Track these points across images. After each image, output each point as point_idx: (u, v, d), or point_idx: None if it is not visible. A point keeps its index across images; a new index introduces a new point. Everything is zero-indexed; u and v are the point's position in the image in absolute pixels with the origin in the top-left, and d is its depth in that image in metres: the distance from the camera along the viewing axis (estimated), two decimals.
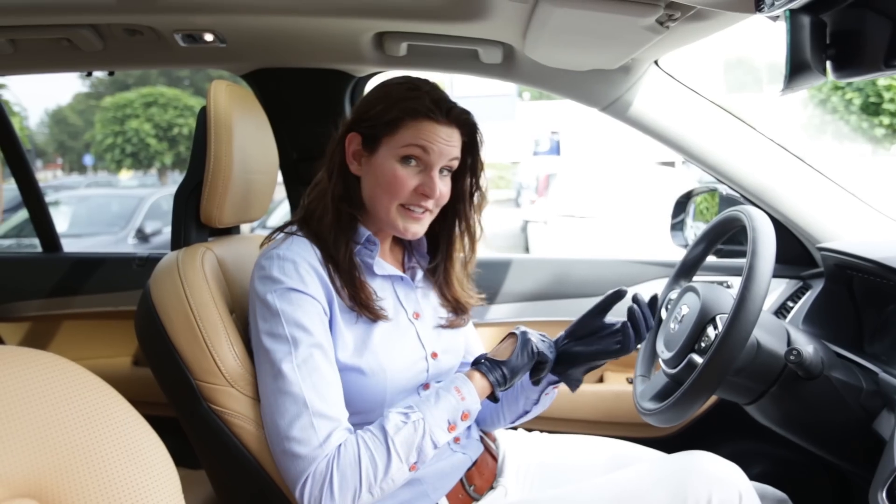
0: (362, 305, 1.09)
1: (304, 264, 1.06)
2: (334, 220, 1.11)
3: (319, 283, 1.07)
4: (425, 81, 1.14)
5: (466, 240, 1.23)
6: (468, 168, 1.18)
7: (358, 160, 1.13)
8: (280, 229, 1.16)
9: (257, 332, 1.05)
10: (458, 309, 1.24)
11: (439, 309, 1.23)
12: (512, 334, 1.14)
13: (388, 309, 1.12)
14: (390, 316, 1.12)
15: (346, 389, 1.06)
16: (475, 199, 1.21)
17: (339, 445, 0.99)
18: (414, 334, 1.16)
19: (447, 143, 1.10)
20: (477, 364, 1.11)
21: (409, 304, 1.18)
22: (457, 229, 1.22)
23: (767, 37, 1.08)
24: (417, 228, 1.13)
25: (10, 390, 0.54)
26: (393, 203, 1.10)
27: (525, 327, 1.15)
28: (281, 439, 1.00)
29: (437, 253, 1.24)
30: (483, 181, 1.21)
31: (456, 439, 1.17)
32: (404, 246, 1.26)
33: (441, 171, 1.12)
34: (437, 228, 1.21)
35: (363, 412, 1.08)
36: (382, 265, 1.16)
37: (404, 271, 1.21)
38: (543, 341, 1.14)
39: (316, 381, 1.01)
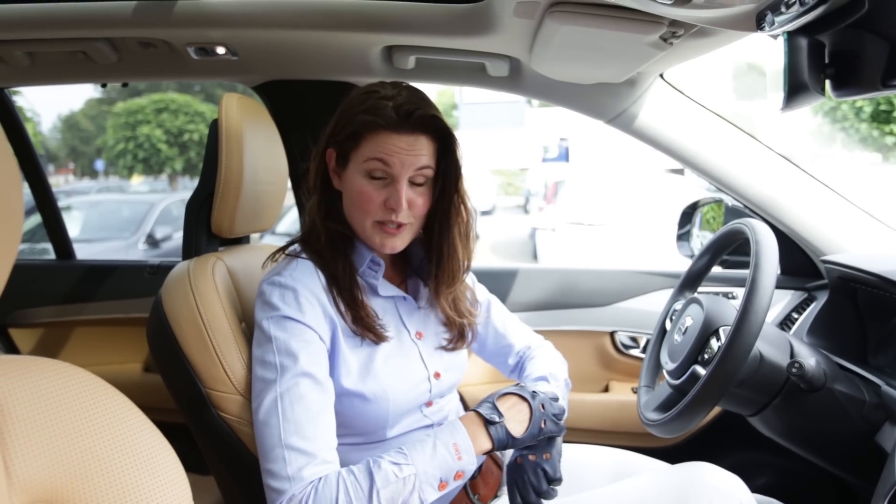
0: (365, 328, 1.07)
1: (305, 292, 1.05)
2: (327, 239, 1.11)
3: (321, 311, 1.05)
4: (392, 86, 1.09)
5: (449, 252, 1.15)
6: (442, 174, 1.11)
7: (338, 175, 1.12)
8: (282, 249, 1.16)
9: (253, 358, 1.05)
10: (453, 326, 1.21)
11: (440, 329, 1.21)
12: (523, 398, 1.07)
13: (390, 329, 1.11)
14: (392, 337, 1.11)
15: (349, 413, 1.06)
16: (455, 206, 1.13)
17: (319, 482, 0.94)
18: (417, 355, 1.15)
19: (409, 152, 1.05)
20: (490, 423, 1.02)
21: (411, 324, 1.17)
22: (441, 242, 1.15)
23: (776, 45, 1.08)
24: (395, 243, 1.10)
25: (30, 399, 0.56)
26: (366, 220, 1.08)
27: (539, 394, 1.08)
28: (261, 469, 0.99)
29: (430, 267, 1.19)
30: (462, 186, 1.13)
31: None
32: (407, 263, 1.24)
33: (415, 181, 1.08)
34: (429, 240, 1.17)
35: (366, 433, 1.08)
36: (386, 286, 1.16)
37: (406, 290, 1.20)
38: (556, 418, 1.08)
39: (297, 412, 0.98)
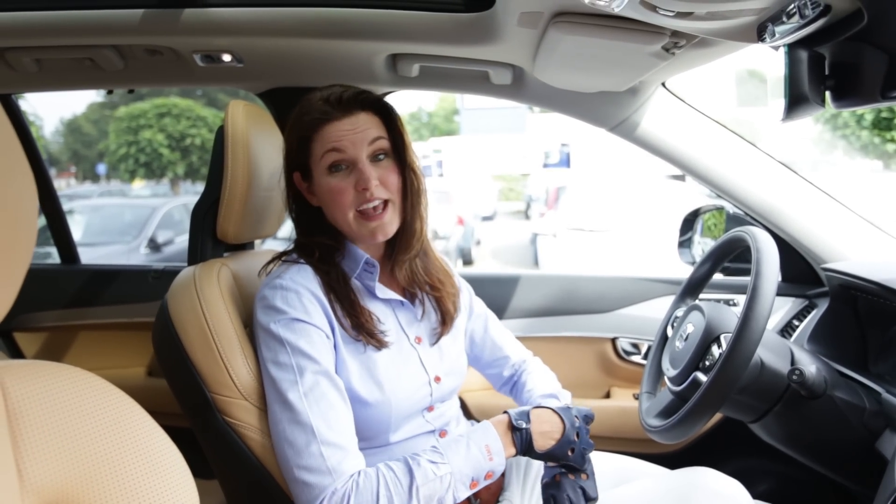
0: (366, 332, 1.08)
1: (306, 294, 1.06)
2: (318, 253, 1.13)
3: (322, 312, 1.07)
4: (319, 89, 1.13)
5: (407, 220, 1.15)
6: (395, 148, 1.13)
7: (312, 192, 1.14)
8: (278, 258, 1.17)
9: (263, 362, 1.06)
10: (439, 302, 1.22)
11: (436, 325, 1.23)
12: (562, 419, 1.09)
13: (390, 335, 1.12)
14: (392, 342, 1.12)
15: (354, 417, 1.06)
16: (408, 177, 1.13)
17: (359, 476, 0.97)
18: (417, 360, 1.16)
19: (355, 131, 1.07)
20: (516, 429, 1.06)
21: (410, 329, 1.18)
22: (408, 215, 1.15)
23: (777, 52, 1.09)
24: (384, 227, 1.10)
25: (42, 403, 0.57)
26: (347, 214, 1.09)
27: (579, 422, 1.10)
28: (291, 468, 1.00)
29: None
30: (411, 155, 1.14)
31: None
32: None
33: (377, 157, 1.09)
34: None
35: (368, 438, 1.09)
36: (383, 289, 1.16)
37: (404, 296, 1.21)
38: (584, 452, 1.09)
39: (323, 408, 1.00)
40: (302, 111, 1.11)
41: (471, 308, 1.36)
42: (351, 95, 1.09)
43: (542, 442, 1.06)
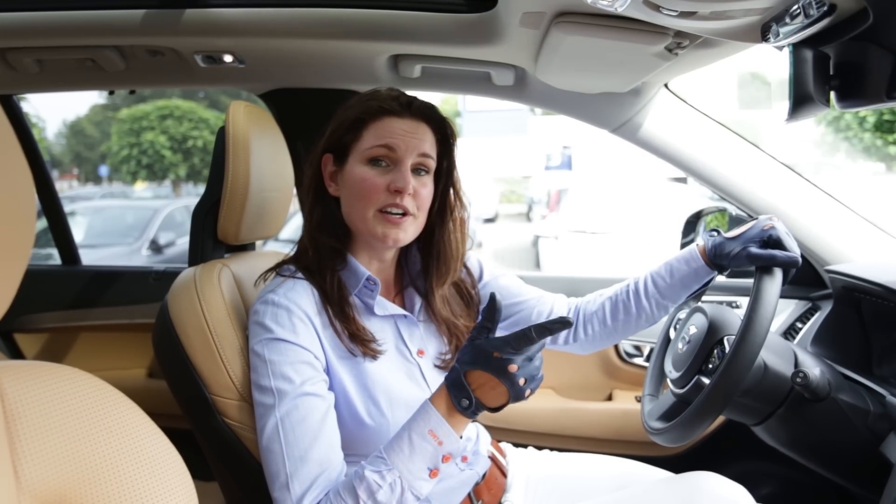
0: (358, 342, 1.05)
1: (298, 312, 1.02)
2: (315, 252, 1.09)
3: (314, 333, 1.03)
4: (389, 89, 1.12)
5: (447, 248, 1.14)
6: (444, 172, 1.12)
7: (335, 180, 1.11)
8: (274, 269, 1.14)
9: (251, 381, 1.04)
10: (451, 336, 1.18)
11: (440, 345, 1.19)
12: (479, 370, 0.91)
13: (390, 349, 1.09)
14: (392, 355, 1.09)
15: (349, 437, 1.03)
16: (452, 202, 1.13)
17: None
18: (418, 373, 1.12)
19: (413, 135, 1.05)
20: (463, 410, 0.92)
21: (412, 342, 1.14)
22: (440, 238, 1.14)
23: (780, 55, 1.09)
24: (398, 234, 1.06)
25: (39, 404, 0.57)
26: (369, 209, 1.05)
27: (504, 359, 0.89)
28: (269, 491, 0.99)
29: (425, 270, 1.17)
30: (460, 184, 1.13)
31: (464, 458, 1.17)
32: (402, 276, 1.21)
33: (418, 171, 1.08)
34: (428, 239, 1.16)
35: (367, 454, 1.02)
36: (384, 305, 1.12)
37: (403, 304, 1.18)
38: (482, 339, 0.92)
39: (298, 435, 0.97)
40: (366, 96, 1.09)
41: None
42: (421, 104, 1.08)
43: (495, 401, 0.92)
